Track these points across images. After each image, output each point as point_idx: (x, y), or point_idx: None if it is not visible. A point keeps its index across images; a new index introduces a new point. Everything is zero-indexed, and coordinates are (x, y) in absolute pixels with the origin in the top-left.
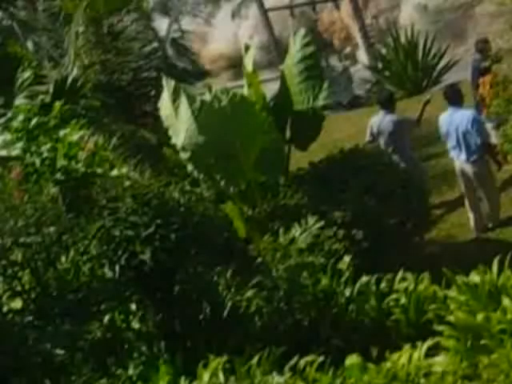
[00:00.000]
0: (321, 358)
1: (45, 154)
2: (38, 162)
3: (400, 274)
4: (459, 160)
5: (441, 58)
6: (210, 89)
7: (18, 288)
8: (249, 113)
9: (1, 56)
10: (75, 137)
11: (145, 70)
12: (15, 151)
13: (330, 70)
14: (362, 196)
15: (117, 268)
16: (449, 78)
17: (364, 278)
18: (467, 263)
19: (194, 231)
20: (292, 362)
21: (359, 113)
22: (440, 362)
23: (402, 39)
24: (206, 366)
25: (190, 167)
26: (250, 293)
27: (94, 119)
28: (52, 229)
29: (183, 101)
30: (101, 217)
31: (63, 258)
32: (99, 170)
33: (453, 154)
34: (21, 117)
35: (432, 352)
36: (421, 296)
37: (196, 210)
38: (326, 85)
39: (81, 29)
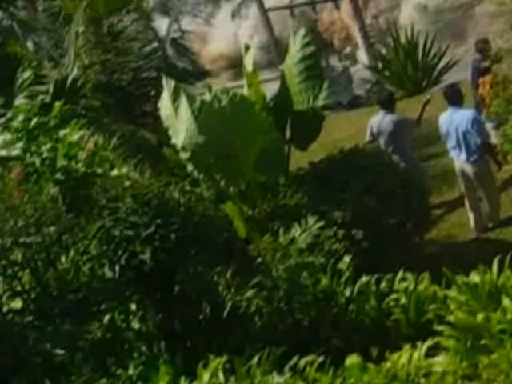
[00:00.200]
0: (321, 358)
1: (45, 154)
2: (37, 162)
3: (400, 274)
4: (459, 160)
5: (441, 58)
6: (209, 89)
7: (18, 288)
8: (249, 113)
9: (1, 56)
10: (75, 137)
11: (145, 70)
12: (15, 151)
13: (330, 70)
14: (361, 196)
15: (117, 268)
16: (449, 78)
17: (364, 278)
18: (467, 263)
19: (194, 231)
20: (292, 362)
21: (359, 113)
22: (440, 361)
23: (402, 39)
24: (205, 365)
25: (190, 167)
26: (250, 293)
27: (94, 119)
28: (52, 229)
29: (183, 101)
30: (101, 217)
31: (63, 258)
32: (99, 170)
33: (453, 154)
34: (21, 117)
35: (432, 352)
36: (421, 296)
37: (196, 210)
38: (326, 85)
39: (81, 29)
